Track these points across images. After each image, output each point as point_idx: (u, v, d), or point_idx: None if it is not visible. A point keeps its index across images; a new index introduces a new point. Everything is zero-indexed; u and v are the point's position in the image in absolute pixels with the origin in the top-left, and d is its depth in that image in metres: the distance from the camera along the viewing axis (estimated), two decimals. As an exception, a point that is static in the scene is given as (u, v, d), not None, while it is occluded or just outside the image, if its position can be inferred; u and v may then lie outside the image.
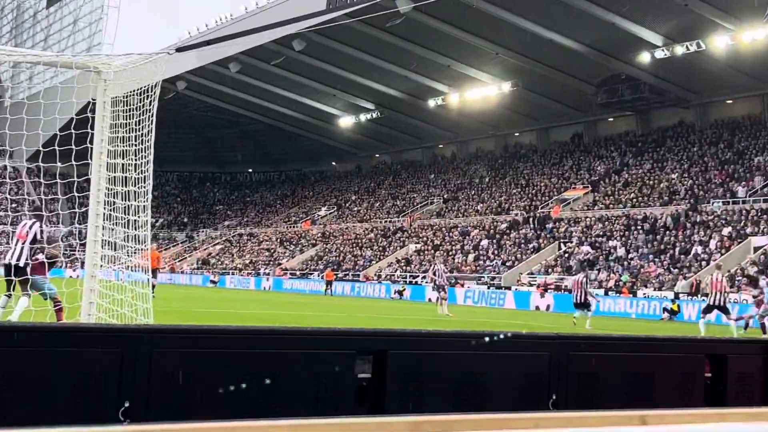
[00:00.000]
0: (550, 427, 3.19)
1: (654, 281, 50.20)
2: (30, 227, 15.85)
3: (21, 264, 15.36)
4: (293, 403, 5.01)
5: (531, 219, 67.17)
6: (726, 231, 51.70)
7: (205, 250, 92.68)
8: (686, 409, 3.81)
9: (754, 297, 32.18)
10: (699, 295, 42.83)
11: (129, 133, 13.32)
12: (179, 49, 15.83)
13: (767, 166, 58.20)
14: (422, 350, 5.93)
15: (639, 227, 57.31)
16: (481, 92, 73.51)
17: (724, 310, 28.85)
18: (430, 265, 49.41)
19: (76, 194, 13.58)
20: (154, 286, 21.30)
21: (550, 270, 57.49)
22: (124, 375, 4.77)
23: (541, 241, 63.19)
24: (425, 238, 72.33)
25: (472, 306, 52.21)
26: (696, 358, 6.79)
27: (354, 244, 77.81)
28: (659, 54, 59.55)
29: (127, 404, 4.58)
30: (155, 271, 30.21)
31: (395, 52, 66.80)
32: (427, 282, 41.92)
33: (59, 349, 4.69)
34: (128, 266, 14.33)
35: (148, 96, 13.26)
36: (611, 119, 75.68)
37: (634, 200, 62.16)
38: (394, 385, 5.47)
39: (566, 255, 58.71)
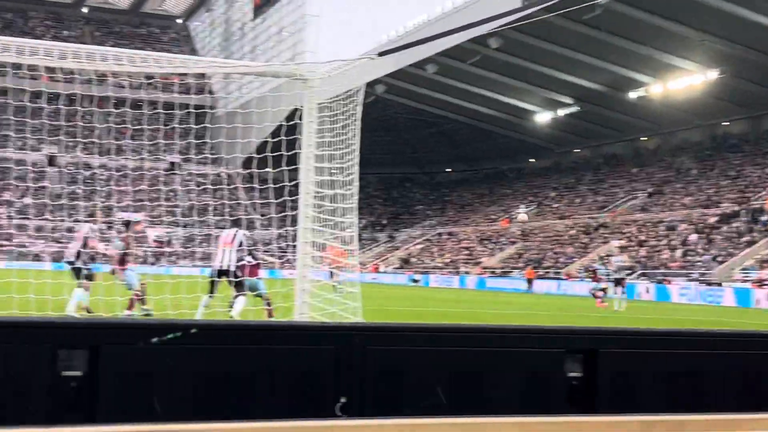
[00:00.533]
0: None
1: None
2: (235, 235, 16.78)
3: (232, 268, 16.30)
4: (502, 402, 4.98)
5: (743, 212, 64.44)
6: None
7: (405, 249, 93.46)
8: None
9: None
10: None
11: (335, 137, 13.62)
12: (382, 53, 16.16)
13: None
14: (635, 348, 5.67)
15: None
16: (685, 81, 71.48)
17: None
18: (603, 258, 48.02)
19: (287, 198, 14.04)
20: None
21: (764, 265, 54.82)
22: (340, 372, 4.85)
23: (754, 234, 60.21)
24: (629, 234, 70.70)
25: (687, 304, 49.57)
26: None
27: (554, 242, 76.88)
28: None
29: (343, 400, 4.71)
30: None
31: (593, 44, 65.70)
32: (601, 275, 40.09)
33: (282, 346, 4.84)
34: (337, 267, 14.73)
35: (352, 100, 13.53)
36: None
37: None
38: (605, 384, 5.28)
39: (783, 249, 55.98)
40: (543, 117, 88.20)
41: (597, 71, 72.34)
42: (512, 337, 5.35)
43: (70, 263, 18.94)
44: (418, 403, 4.80)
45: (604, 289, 38.96)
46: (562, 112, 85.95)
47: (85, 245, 18.71)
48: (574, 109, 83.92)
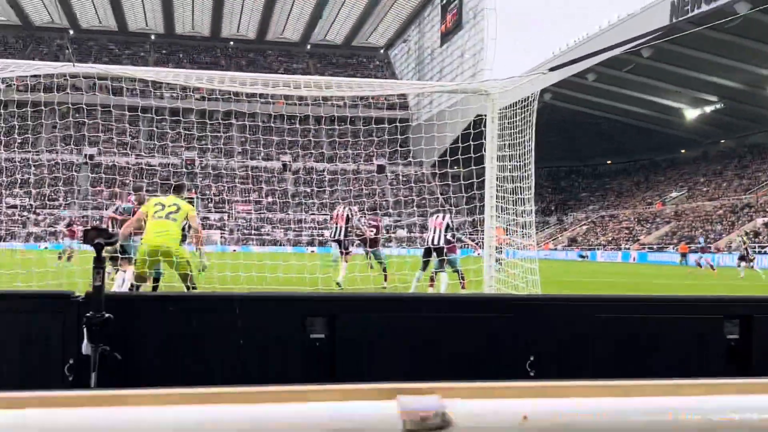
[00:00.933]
0: None
1: None
2: (444, 218, 17.19)
3: (442, 244, 16.76)
4: (669, 364, 4.73)
5: None
6: None
7: (573, 230, 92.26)
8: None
9: None
10: None
11: (513, 139, 13.61)
12: (552, 69, 16.05)
13: None
14: None
15: None
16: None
17: None
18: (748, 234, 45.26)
19: (476, 191, 14.11)
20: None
21: None
22: (525, 335, 4.58)
23: None
24: (771, 211, 67.36)
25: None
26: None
27: (704, 220, 74.19)
28: None
29: (532, 359, 4.55)
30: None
31: (735, 49, 63.04)
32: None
33: (468, 315, 4.59)
34: (517, 247, 14.72)
35: (527, 108, 13.49)
36: None
37: None
38: (759, 347, 4.82)
39: None
40: (691, 113, 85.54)
41: (739, 72, 69.42)
42: (678, 305, 5.14)
43: (337, 241, 19.62)
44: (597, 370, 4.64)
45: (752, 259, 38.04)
46: (708, 109, 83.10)
47: (347, 223, 19.50)
48: (718, 105, 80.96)
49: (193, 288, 11.03)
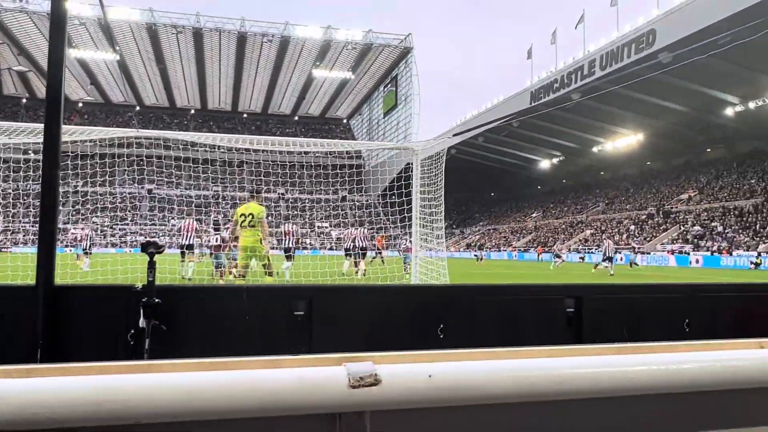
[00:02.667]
0: None
1: None
2: (362, 231, 17.58)
3: (365, 246, 17.03)
4: (531, 331, 4.22)
5: None
6: None
7: (470, 238, 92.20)
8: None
9: None
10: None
11: (430, 179, 13.65)
12: (455, 134, 16.22)
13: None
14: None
15: None
16: None
17: None
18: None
19: (406, 213, 14.10)
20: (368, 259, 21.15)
21: None
22: (437, 312, 4.04)
23: None
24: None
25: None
26: None
27: (554, 231, 74.46)
28: None
29: (441, 326, 4.39)
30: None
31: (571, 122, 63.39)
32: None
33: (401, 298, 4.20)
34: (430, 249, 14.73)
35: (439, 159, 13.57)
36: None
37: None
38: (586, 315, 4.23)
39: None
40: (544, 163, 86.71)
41: (573, 137, 70.22)
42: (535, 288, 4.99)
43: (348, 252, 19.07)
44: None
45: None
46: (555, 160, 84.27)
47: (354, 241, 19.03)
48: (562, 158, 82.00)
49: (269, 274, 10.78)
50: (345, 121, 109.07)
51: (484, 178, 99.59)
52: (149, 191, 78.60)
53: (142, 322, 3.45)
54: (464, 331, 4.10)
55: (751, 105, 52.37)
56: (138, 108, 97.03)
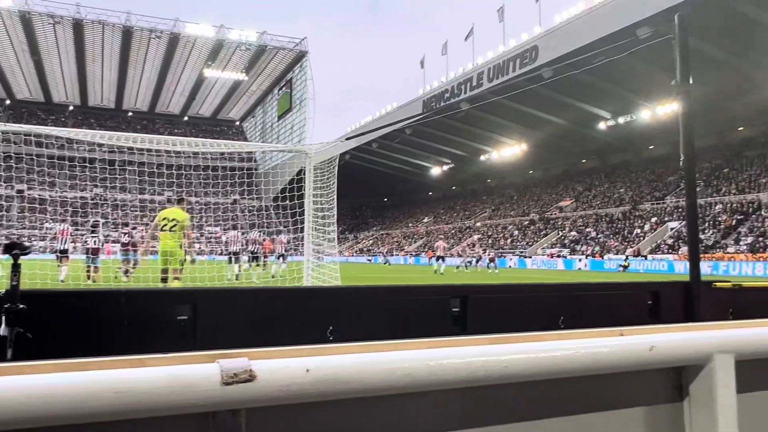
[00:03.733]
0: None
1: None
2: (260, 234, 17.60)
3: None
4: (419, 328, 4.38)
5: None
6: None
7: (363, 243, 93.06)
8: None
9: None
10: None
11: (323, 184, 13.63)
12: (348, 138, 16.30)
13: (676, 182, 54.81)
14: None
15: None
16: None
17: None
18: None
19: (299, 217, 13.97)
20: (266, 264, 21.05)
21: None
22: (327, 311, 4.05)
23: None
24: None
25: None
26: None
27: (444, 236, 76.59)
28: None
29: (331, 328, 4.38)
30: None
31: (460, 130, 65.10)
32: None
33: (292, 299, 4.21)
34: (323, 253, 14.70)
35: (332, 164, 13.57)
36: None
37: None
38: (471, 314, 4.37)
39: None
40: (435, 170, 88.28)
41: (462, 145, 72.45)
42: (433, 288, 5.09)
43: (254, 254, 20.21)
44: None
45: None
46: (445, 167, 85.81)
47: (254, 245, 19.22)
48: (451, 165, 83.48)
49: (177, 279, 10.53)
50: (238, 123, 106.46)
51: (377, 184, 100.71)
52: (19, 192, 72.65)
53: (3, 330, 3.17)
54: (353, 333, 4.11)
55: (621, 120, 56.78)
56: (9, 102, 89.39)
